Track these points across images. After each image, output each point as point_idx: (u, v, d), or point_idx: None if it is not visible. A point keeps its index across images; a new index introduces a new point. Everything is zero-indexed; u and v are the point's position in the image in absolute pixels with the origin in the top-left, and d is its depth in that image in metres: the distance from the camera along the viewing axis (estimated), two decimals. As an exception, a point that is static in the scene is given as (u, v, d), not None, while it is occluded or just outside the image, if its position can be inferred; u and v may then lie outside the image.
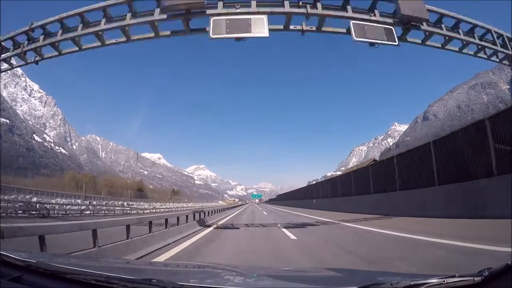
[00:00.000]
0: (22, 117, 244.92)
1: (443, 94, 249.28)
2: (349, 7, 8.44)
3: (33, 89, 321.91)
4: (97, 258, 3.05)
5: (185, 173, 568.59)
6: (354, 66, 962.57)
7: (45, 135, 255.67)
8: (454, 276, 1.08)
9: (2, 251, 1.42)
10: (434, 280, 1.09)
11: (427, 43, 9.62)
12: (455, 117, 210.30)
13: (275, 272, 2.09)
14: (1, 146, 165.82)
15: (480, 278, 1.04)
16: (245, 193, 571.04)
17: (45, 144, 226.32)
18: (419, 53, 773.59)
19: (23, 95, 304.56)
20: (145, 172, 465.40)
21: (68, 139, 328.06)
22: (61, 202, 26.87)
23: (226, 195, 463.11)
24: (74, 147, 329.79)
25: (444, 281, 1.08)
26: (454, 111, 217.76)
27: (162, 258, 4.65)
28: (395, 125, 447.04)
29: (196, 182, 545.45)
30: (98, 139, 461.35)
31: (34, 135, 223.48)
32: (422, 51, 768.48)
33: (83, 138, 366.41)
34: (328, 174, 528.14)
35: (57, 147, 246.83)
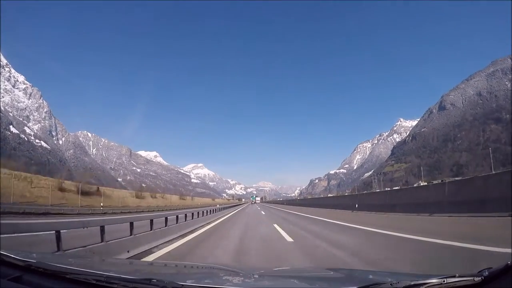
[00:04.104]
0: (2, 108, 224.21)
1: (459, 83, 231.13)
2: None
3: (17, 80, 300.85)
4: (97, 258, 3.15)
5: (182, 171, 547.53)
6: (355, 64, 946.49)
7: (26, 128, 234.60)
8: (454, 276, 1.07)
9: (2, 251, 1.40)
10: (434, 280, 1.08)
11: None
12: (477, 105, 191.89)
13: (275, 272, 2.08)
14: (1, 145, 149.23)
15: (480, 278, 1.03)
16: (245, 192, 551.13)
17: (22, 136, 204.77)
18: (422, 50, 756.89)
19: (5, 85, 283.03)
20: (138, 170, 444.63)
21: (54, 133, 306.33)
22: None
23: (224, 194, 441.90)
24: (61, 142, 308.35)
25: (444, 281, 1.07)
26: (475, 99, 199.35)
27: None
28: (400, 121, 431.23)
29: (193, 180, 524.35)
30: (90, 135, 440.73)
31: (11, 126, 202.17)
32: (424, 48, 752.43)
33: (71, 133, 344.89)
34: (332, 172, 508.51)
35: (37, 140, 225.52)
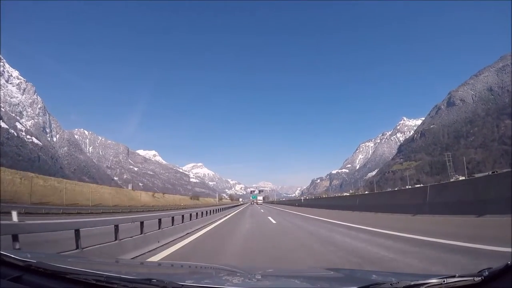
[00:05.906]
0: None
1: (467, 78, 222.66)
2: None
3: (11, 75, 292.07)
4: (97, 258, 3.22)
5: (180, 170, 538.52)
6: (357, 62, 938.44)
7: (17, 123, 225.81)
8: (454, 276, 1.07)
9: (2, 251, 1.40)
10: (434, 280, 1.08)
11: None
12: (489, 100, 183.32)
13: (275, 272, 2.08)
14: (1, 143, 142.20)
15: (480, 278, 1.03)
16: (245, 192, 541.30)
17: (11, 131, 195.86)
18: (423, 50, 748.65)
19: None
20: (135, 169, 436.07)
21: (48, 130, 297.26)
22: None
23: (224, 194, 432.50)
24: (55, 139, 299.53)
25: (444, 281, 1.07)
26: (486, 94, 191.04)
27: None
28: (404, 120, 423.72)
29: (192, 180, 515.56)
30: (86, 133, 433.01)
31: (0, 121, 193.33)
32: (426, 49, 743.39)
33: (66, 130, 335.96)
34: (334, 172, 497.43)
35: (28, 136, 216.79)
